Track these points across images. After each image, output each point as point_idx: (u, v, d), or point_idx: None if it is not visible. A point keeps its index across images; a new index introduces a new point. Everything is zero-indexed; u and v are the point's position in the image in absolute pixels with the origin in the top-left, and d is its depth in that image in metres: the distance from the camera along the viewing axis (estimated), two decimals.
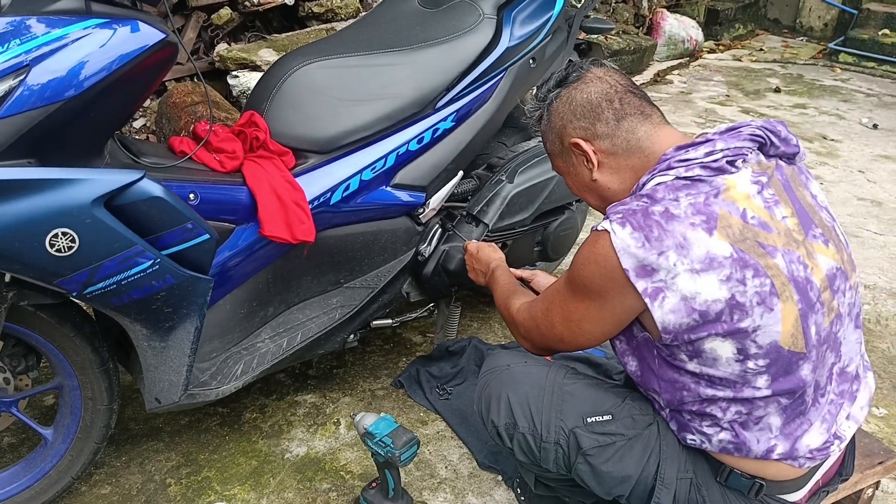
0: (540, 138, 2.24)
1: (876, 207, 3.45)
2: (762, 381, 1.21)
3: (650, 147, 1.28)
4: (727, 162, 1.19)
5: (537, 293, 1.66)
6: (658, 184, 1.21)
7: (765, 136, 1.24)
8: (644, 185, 1.25)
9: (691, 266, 1.15)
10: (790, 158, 1.29)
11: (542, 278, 1.72)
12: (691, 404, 1.27)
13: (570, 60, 1.41)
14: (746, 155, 1.21)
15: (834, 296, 1.24)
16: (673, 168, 1.21)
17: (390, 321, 2.10)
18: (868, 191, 3.63)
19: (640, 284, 1.17)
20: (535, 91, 1.44)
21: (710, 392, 1.24)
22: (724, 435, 1.27)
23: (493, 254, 1.75)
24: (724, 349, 1.19)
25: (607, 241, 1.18)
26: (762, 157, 1.24)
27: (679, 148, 1.24)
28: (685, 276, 1.15)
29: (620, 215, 1.19)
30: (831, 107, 4.82)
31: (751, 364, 1.19)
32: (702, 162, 1.19)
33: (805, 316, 1.19)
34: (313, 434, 1.98)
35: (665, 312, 1.17)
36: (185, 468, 1.85)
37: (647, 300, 1.17)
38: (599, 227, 1.22)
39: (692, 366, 1.23)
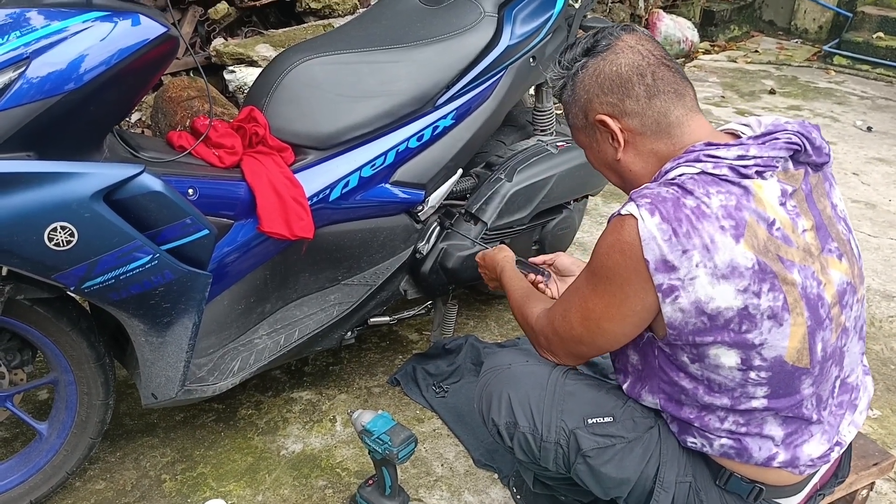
0: (538, 137, 2.27)
1: (870, 210, 3.46)
2: (761, 391, 1.20)
3: (680, 135, 1.22)
4: (756, 171, 1.15)
5: (560, 272, 1.64)
6: (682, 174, 1.16)
7: (801, 145, 1.19)
8: (667, 172, 1.19)
9: (713, 270, 1.11)
10: (818, 167, 1.24)
11: (563, 259, 1.66)
12: (689, 410, 1.26)
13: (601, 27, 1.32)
14: (777, 167, 1.16)
15: (843, 311, 1.23)
16: (701, 161, 1.16)
17: (387, 318, 2.10)
18: (862, 193, 3.64)
19: (658, 279, 1.13)
20: (558, 58, 1.32)
21: (707, 399, 1.23)
22: (726, 440, 1.26)
23: (497, 255, 1.68)
24: (728, 357, 1.17)
25: (634, 227, 1.13)
26: (791, 165, 1.20)
27: (709, 144, 1.18)
28: (704, 280, 1.12)
29: (649, 200, 1.13)
30: (826, 109, 4.84)
31: (752, 375, 1.18)
32: (731, 163, 1.14)
33: (813, 333, 1.18)
34: (309, 431, 1.97)
35: (674, 310, 1.15)
36: (181, 464, 1.84)
37: (659, 295, 1.14)
38: (624, 212, 1.15)
39: (693, 368, 1.22)
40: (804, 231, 1.18)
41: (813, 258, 1.18)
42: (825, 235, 1.21)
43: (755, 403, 1.21)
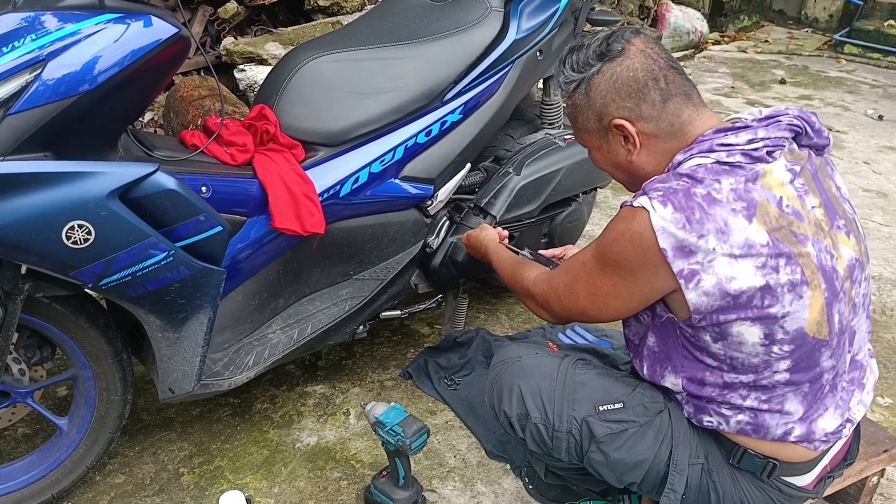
0: (546, 130, 2.28)
1: (881, 199, 3.45)
2: (783, 365, 1.23)
3: (692, 131, 1.26)
4: (767, 152, 1.20)
5: None
6: (697, 165, 1.20)
7: (801, 127, 1.25)
8: (680, 164, 1.23)
9: (730, 251, 1.15)
10: (819, 150, 1.30)
11: (573, 252, 1.71)
12: (711, 389, 1.28)
13: (608, 29, 1.33)
14: (784, 146, 1.22)
15: (853, 286, 1.27)
16: (714, 151, 1.20)
17: (399, 312, 2.12)
18: (873, 182, 3.63)
19: (677, 265, 1.16)
20: (566, 58, 1.33)
21: (731, 376, 1.25)
22: (743, 417, 1.29)
23: (481, 233, 1.80)
24: (751, 333, 1.20)
25: (645, 218, 1.17)
26: (795, 146, 1.25)
27: (718, 131, 1.23)
28: (723, 261, 1.15)
29: (661, 193, 1.17)
30: (836, 98, 4.81)
31: (776, 349, 1.21)
32: (743, 149, 1.19)
33: (830, 304, 1.22)
34: (323, 424, 2.00)
35: (699, 294, 1.17)
36: (198, 458, 1.88)
37: (681, 281, 1.17)
38: (635, 203, 1.19)
39: (716, 348, 1.24)
40: (813, 207, 1.23)
41: (824, 233, 1.22)
42: (833, 213, 1.26)
43: (778, 377, 1.24)
